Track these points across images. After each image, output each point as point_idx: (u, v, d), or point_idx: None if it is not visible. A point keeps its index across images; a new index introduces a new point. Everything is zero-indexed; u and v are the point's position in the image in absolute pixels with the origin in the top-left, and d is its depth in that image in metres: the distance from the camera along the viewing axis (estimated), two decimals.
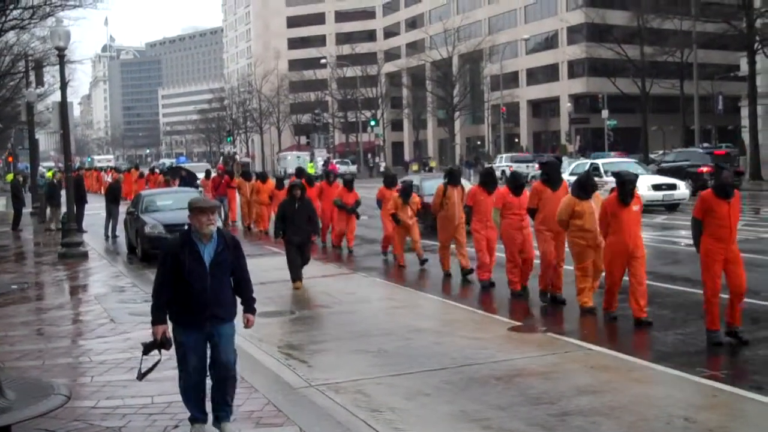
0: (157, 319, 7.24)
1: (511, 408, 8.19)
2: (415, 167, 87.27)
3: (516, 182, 14.26)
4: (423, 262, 18.29)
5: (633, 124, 77.42)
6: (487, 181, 15.53)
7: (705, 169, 35.22)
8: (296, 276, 15.77)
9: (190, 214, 7.13)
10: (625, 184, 11.55)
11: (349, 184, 22.29)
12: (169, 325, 7.32)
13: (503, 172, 52.82)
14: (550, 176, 13.50)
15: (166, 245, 7.27)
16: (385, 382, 9.30)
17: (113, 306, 14.47)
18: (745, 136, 51.53)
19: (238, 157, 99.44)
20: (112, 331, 12.32)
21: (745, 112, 53.69)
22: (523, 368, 9.60)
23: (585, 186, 12.48)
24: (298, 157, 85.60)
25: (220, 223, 8.73)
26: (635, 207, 11.66)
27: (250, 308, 7.55)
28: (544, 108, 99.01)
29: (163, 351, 7.35)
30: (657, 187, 29.24)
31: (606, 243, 11.88)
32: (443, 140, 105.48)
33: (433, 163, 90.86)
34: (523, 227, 14.11)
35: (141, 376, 7.47)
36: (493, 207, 14.64)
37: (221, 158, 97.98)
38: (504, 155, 69.37)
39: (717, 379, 8.99)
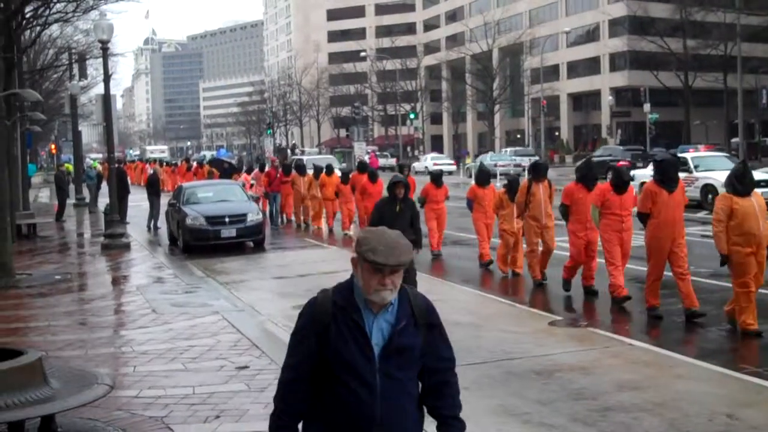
0: None
1: (551, 403, 8.15)
2: (468, 160, 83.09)
3: (619, 179, 12.59)
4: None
5: (675, 118, 76.66)
6: (586, 176, 13.63)
7: (622, 163, 39.48)
8: None
9: (357, 257, 3.79)
10: None
11: (437, 179, 19.60)
12: None
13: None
14: (666, 176, 11.59)
15: (306, 309, 3.92)
16: None
17: (155, 297, 14.59)
18: None
19: (298, 151, 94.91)
20: (154, 321, 12.43)
21: None
22: (564, 363, 9.54)
23: (743, 179, 10.57)
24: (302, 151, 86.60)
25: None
26: None
27: None
28: (585, 101, 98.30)
29: None
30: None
31: None
32: (482, 134, 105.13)
33: None
34: (623, 229, 12.57)
35: None
36: (591, 204, 12.97)
37: (282, 150, 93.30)
38: (429, 155, 69.66)
39: (760, 376, 8.88)
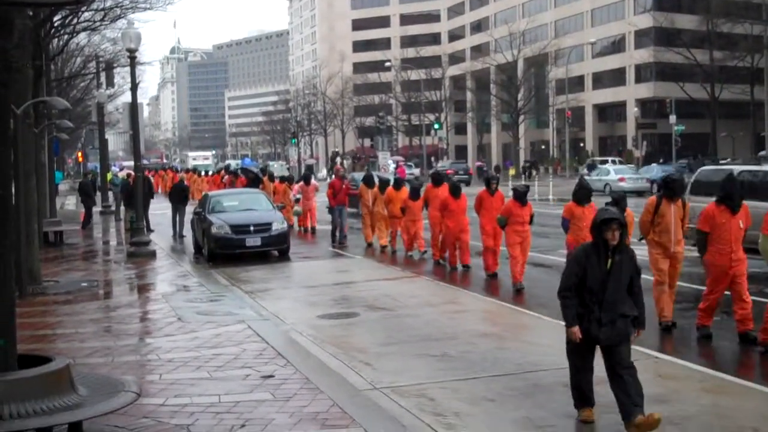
0: None
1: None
2: (512, 171, 78.48)
3: None
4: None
5: (701, 130, 76.30)
6: (730, 196, 11.06)
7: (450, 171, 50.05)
8: (587, 398, 8.05)
9: None
10: None
11: (522, 197, 16.63)
12: None
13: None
14: None
15: None
16: (449, 386, 9.28)
17: (180, 305, 14.67)
18: None
19: (339, 159, 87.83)
20: (180, 329, 12.49)
21: None
22: None
23: None
24: (282, 164, 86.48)
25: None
26: None
27: None
28: (610, 112, 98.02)
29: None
30: None
31: None
32: (507, 144, 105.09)
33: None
34: None
35: None
36: (762, 235, 10.74)
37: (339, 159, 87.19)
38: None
39: None
